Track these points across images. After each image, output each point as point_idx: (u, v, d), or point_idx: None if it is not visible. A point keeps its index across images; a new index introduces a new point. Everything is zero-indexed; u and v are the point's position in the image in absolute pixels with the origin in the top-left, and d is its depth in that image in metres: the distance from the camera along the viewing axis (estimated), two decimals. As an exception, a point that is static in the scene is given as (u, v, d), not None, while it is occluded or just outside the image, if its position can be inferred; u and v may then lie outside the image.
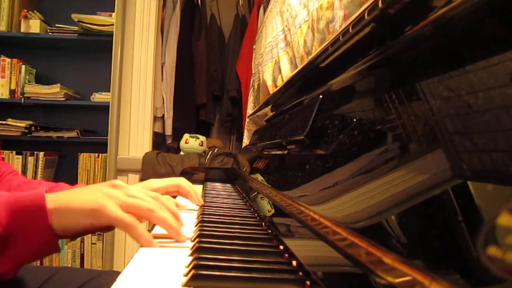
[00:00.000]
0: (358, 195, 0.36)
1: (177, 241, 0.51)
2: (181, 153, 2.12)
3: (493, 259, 0.18)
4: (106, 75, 2.07)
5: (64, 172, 2.39)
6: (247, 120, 1.87)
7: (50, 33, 2.23)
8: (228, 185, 1.23)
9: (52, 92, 2.21)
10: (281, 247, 0.47)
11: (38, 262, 2.15)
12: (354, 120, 0.46)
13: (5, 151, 2.22)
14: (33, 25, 2.22)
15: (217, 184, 1.24)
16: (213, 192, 0.98)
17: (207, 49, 2.43)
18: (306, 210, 0.44)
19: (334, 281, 0.34)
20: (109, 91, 2.04)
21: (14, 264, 0.45)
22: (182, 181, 0.71)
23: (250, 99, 1.95)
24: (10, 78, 2.23)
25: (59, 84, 2.22)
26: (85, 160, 2.29)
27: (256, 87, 1.78)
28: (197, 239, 0.47)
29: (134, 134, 2.07)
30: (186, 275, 0.37)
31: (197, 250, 0.44)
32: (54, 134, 2.24)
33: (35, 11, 2.26)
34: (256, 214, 0.68)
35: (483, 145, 0.23)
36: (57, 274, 0.71)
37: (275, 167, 0.80)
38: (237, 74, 2.35)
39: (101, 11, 2.27)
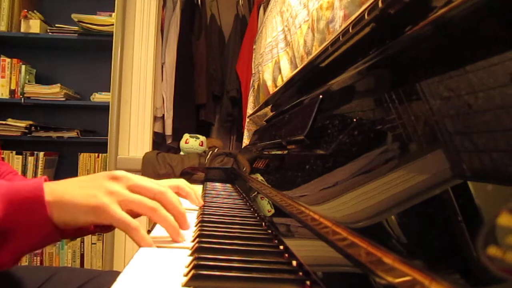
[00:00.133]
0: (358, 195, 0.36)
1: (176, 242, 0.51)
2: (181, 153, 2.12)
3: (493, 259, 0.18)
4: (106, 75, 2.07)
5: (64, 172, 2.40)
6: (247, 120, 1.87)
7: (50, 33, 2.23)
8: (228, 185, 1.23)
9: (52, 92, 2.21)
10: (281, 247, 0.47)
11: (38, 262, 2.15)
12: (354, 120, 0.46)
13: (5, 151, 2.22)
14: (33, 25, 2.22)
15: (217, 184, 1.24)
16: (213, 192, 0.98)
17: (207, 49, 2.43)
18: (306, 210, 0.44)
19: (334, 281, 0.34)
20: (109, 91, 2.04)
21: (12, 256, 0.44)
22: (181, 183, 0.71)
23: (250, 99, 1.95)
24: (10, 78, 2.24)
25: (59, 84, 2.22)
26: (85, 160, 2.29)
27: (256, 87, 1.78)
28: (197, 239, 0.47)
29: (134, 134, 2.07)
30: (186, 275, 0.37)
31: (197, 250, 0.44)
32: (54, 134, 2.24)
33: (35, 11, 2.26)
34: (256, 214, 0.68)
35: (483, 145, 0.23)
36: (57, 274, 0.71)
37: (275, 167, 0.80)
38: (237, 74, 2.35)
39: (101, 11, 2.27)
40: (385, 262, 0.25)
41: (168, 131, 2.29)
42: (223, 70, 2.50)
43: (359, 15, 0.45)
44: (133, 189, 0.50)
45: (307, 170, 0.56)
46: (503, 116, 0.22)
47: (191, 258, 0.41)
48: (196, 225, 0.59)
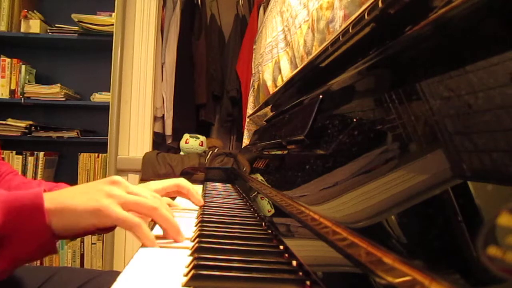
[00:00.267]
0: (358, 195, 0.36)
1: (176, 241, 0.51)
2: (181, 153, 2.12)
3: (493, 259, 0.18)
4: (106, 75, 2.07)
5: (64, 172, 2.40)
6: (247, 120, 1.87)
7: (50, 33, 2.23)
8: (228, 185, 1.23)
9: (52, 92, 2.21)
10: (281, 247, 0.47)
11: (38, 262, 2.15)
12: (354, 120, 0.46)
13: (5, 151, 2.22)
14: (33, 25, 2.22)
15: (217, 184, 1.24)
16: (213, 192, 0.98)
17: (207, 49, 2.43)
18: (306, 210, 0.44)
19: (334, 281, 0.34)
20: (109, 91, 2.04)
21: (9, 264, 0.44)
22: (181, 181, 0.71)
23: (250, 99, 1.95)
24: (10, 78, 2.24)
25: (59, 84, 2.22)
26: (85, 160, 2.29)
27: (256, 87, 1.78)
28: (197, 239, 0.47)
29: (134, 134, 2.07)
30: (186, 275, 0.37)
31: (197, 250, 0.44)
32: (54, 134, 2.24)
33: (35, 11, 2.26)
34: (256, 214, 0.68)
35: (483, 145, 0.23)
36: (57, 274, 0.71)
37: (275, 167, 0.80)
38: (237, 74, 2.35)
39: (101, 11, 2.27)
40: (385, 262, 0.25)
41: (168, 131, 2.29)
42: (223, 70, 2.50)
43: (359, 15, 0.45)
44: (131, 194, 0.51)
45: (307, 170, 0.56)
46: (503, 116, 0.22)
47: (191, 258, 0.41)
48: (196, 225, 0.59)
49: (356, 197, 0.36)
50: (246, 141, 1.89)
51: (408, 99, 0.35)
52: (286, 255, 0.44)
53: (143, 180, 1.92)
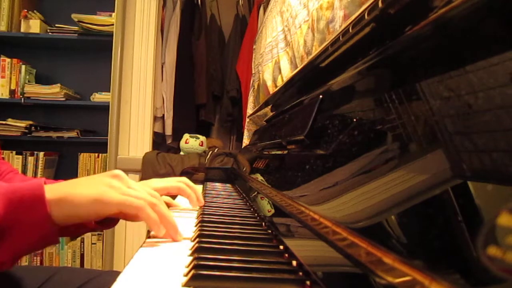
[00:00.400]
0: (358, 195, 0.36)
1: (174, 240, 0.51)
2: (181, 153, 2.12)
3: (493, 259, 0.18)
4: (106, 75, 2.07)
5: (64, 172, 2.40)
6: (247, 120, 1.87)
7: (50, 33, 2.23)
8: (228, 185, 1.23)
9: (52, 92, 2.21)
10: (281, 247, 0.47)
11: (38, 262, 2.15)
12: (354, 120, 0.46)
13: (5, 151, 2.22)
14: (33, 25, 2.22)
15: (217, 184, 1.24)
16: (213, 192, 0.98)
17: (207, 49, 2.43)
18: (306, 210, 0.44)
19: (334, 281, 0.34)
20: (109, 91, 2.04)
21: (11, 255, 0.44)
22: (182, 185, 0.70)
23: (250, 99, 1.95)
24: (10, 78, 2.24)
25: (59, 84, 2.22)
26: (85, 160, 2.29)
27: (256, 87, 1.78)
28: (197, 239, 0.47)
29: (134, 134, 2.07)
30: (186, 275, 0.37)
31: (197, 250, 0.44)
32: (54, 134, 2.24)
33: (35, 11, 2.26)
34: (256, 214, 0.68)
35: (483, 145, 0.23)
36: (57, 274, 0.71)
37: (275, 167, 0.80)
38: (237, 74, 2.35)
39: (101, 11, 2.27)
40: (385, 262, 0.25)
41: (168, 131, 2.29)
42: (223, 70, 2.50)
43: (359, 15, 0.45)
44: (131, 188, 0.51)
45: (307, 170, 0.56)
46: (503, 116, 0.22)
47: (191, 258, 0.41)
48: (196, 225, 0.59)
49: (356, 197, 0.36)
50: (246, 141, 1.89)
51: (408, 99, 0.35)
52: (286, 255, 0.44)
53: (143, 180, 1.92)
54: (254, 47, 2.04)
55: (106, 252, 2.02)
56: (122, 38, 2.03)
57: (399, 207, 0.30)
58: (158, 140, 2.32)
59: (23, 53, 2.34)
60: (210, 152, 1.95)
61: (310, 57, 0.69)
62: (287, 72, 1.21)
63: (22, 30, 2.21)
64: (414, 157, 0.31)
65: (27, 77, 2.27)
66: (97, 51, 2.34)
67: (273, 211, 0.62)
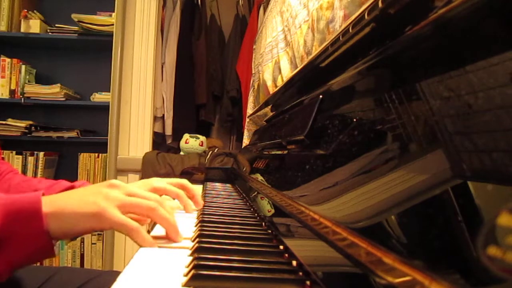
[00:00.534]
0: (358, 195, 0.36)
1: (174, 241, 0.51)
2: (181, 153, 2.12)
3: (493, 259, 0.18)
4: (106, 75, 2.07)
5: (64, 172, 2.40)
6: (247, 120, 1.87)
7: (50, 33, 2.23)
8: (228, 185, 1.23)
9: (52, 92, 2.21)
10: (281, 247, 0.47)
11: (38, 262, 2.15)
12: (354, 120, 0.46)
13: (5, 151, 2.22)
14: (33, 25, 2.22)
15: (217, 184, 1.24)
16: (213, 192, 0.98)
17: (207, 49, 2.43)
18: (306, 210, 0.44)
19: (334, 281, 0.34)
20: (109, 91, 2.04)
21: (7, 267, 0.44)
22: (181, 192, 0.69)
23: (250, 99, 1.95)
24: (10, 78, 2.24)
25: (59, 84, 2.22)
26: (85, 160, 2.29)
27: (256, 87, 1.78)
28: (197, 239, 0.47)
29: (134, 134, 2.07)
30: (186, 275, 0.37)
31: (197, 250, 0.44)
32: (54, 134, 2.24)
33: (35, 11, 2.26)
34: (256, 214, 0.68)
35: (483, 145, 0.23)
36: (57, 274, 0.71)
37: (275, 167, 0.80)
38: (237, 74, 2.35)
39: (101, 11, 2.27)
40: (385, 262, 0.25)
41: (168, 131, 2.29)
42: (223, 70, 2.50)
43: (359, 15, 0.45)
44: (130, 196, 0.51)
45: (307, 170, 0.56)
46: (503, 116, 0.22)
47: (191, 258, 0.41)
48: (196, 225, 0.59)
49: (356, 197, 0.36)
50: (246, 141, 1.89)
51: (408, 99, 0.35)
52: (286, 255, 0.44)
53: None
54: (254, 47, 2.04)
55: (106, 252, 2.02)
56: (122, 38, 2.03)
57: (399, 207, 0.30)
58: (158, 140, 2.32)
59: (23, 53, 2.34)
60: (210, 152, 1.95)
61: (310, 57, 0.69)
62: (287, 72, 1.21)
63: (22, 30, 2.21)
64: (414, 157, 0.31)
65: (27, 77, 2.27)
66: (97, 51, 2.34)
67: (273, 211, 0.62)
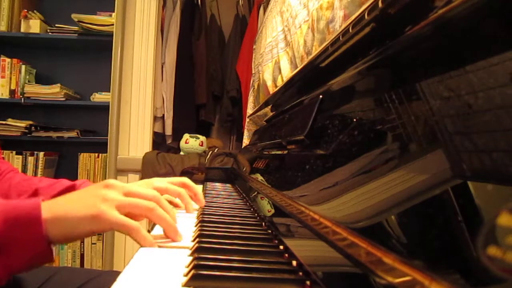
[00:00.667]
0: (358, 195, 0.36)
1: (173, 241, 0.51)
2: (181, 153, 2.12)
3: (493, 259, 0.18)
4: (106, 75, 2.07)
5: (64, 172, 2.39)
6: (247, 120, 1.87)
7: (50, 33, 2.23)
8: (228, 185, 1.23)
9: (52, 92, 2.21)
10: (281, 247, 0.47)
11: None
12: (354, 120, 0.46)
13: (5, 151, 2.22)
14: (33, 25, 2.22)
15: (217, 184, 1.24)
16: (213, 192, 0.98)
17: (207, 49, 2.43)
18: (306, 210, 0.44)
19: (334, 281, 0.34)
20: (109, 91, 2.04)
21: (5, 272, 0.44)
22: (183, 191, 0.69)
23: (250, 99, 1.95)
24: (10, 78, 2.24)
25: (59, 84, 2.22)
26: (85, 160, 2.29)
27: (256, 87, 1.78)
28: (197, 239, 0.47)
29: (134, 134, 2.07)
30: (186, 275, 0.37)
31: (197, 250, 0.44)
32: (54, 134, 2.24)
33: (35, 11, 2.26)
34: (256, 214, 0.68)
35: (483, 145, 0.23)
36: (57, 274, 0.71)
37: (275, 167, 0.80)
38: (237, 74, 2.35)
39: (101, 11, 2.27)
40: (385, 262, 0.25)
41: (168, 131, 2.29)
42: (223, 70, 2.50)
43: (359, 15, 0.45)
44: (128, 195, 0.51)
45: (307, 170, 0.56)
46: (503, 116, 0.22)
47: (191, 258, 0.41)
48: (196, 225, 0.59)
49: (356, 197, 0.36)
50: (246, 141, 1.89)
51: (408, 99, 0.35)
52: (286, 255, 0.44)
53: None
54: (254, 47, 2.04)
55: (106, 252, 2.02)
56: (122, 38, 2.02)
57: (399, 207, 0.30)
58: (158, 140, 2.32)
59: (23, 53, 2.34)
60: (210, 152, 1.95)
61: (310, 57, 0.69)
62: (287, 72, 1.21)
63: (22, 30, 2.21)
64: (414, 157, 0.31)
65: (27, 77, 2.27)
66: (97, 51, 2.34)
67: (273, 211, 0.62)
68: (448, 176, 0.26)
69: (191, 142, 2.10)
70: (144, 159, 1.96)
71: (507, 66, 0.23)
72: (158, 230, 0.54)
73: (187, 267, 0.39)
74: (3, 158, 0.88)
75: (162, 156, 1.96)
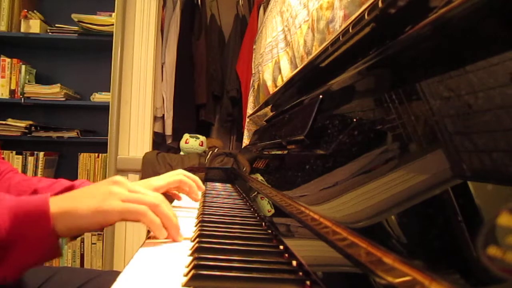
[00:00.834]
0: (358, 195, 0.36)
1: (174, 241, 0.51)
2: (181, 153, 2.12)
3: (493, 259, 0.18)
4: (106, 75, 2.07)
5: (64, 172, 2.39)
6: (247, 120, 1.87)
7: (50, 33, 2.23)
8: (228, 185, 1.23)
9: (52, 92, 2.21)
10: (281, 247, 0.47)
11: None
12: (354, 120, 0.46)
13: (5, 151, 2.22)
14: (33, 25, 2.22)
15: (217, 184, 1.24)
16: (213, 192, 0.98)
17: (207, 49, 2.43)
18: (306, 210, 0.44)
19: (334, 281, 0.34)
20: (109, 91, 2.04)
21: (16, 269, 0.45)
22: (182, 177, 0.71)
23: (250, 99, 1.95)
24: (10, 78, 2.24)
25: (59, 84, 2.22)
26: (85, 160, 2.29)
27: (256, 87, 1.78)
28: (197, 239, 0.47)
29: (134, 134, 2.07)
30: (186, 275, 0.37)
31: (197, 250, 0.44)
32: (54, 134, 2.24)
33: (35, 11, 2.26)
34: (256, 214, 0.68)
35: (483, 145, 0.23)
36: (57, 274, 0.71)
37: (275, 167, 0.80)
38: (237, 74, 2.35)
39: (101, 11, 2.27)
40: (385, 262, 0.25)
41: (168, 131, 2.29)
42: (223, 70, 2.50)
43: (359, 15, 0.45)
44: (132, 192, 0.52)
45: (307, 170, 0.56)
46: (503, 116, 0.22)
47: (191, 258, 0.41)
48: (196, 225, 0.59)
49: (356, 197, 0.36)
50: (246, 141, 1.89)
51: (408, 99, 0.35)
52: (286, 255, 0.44)
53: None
54: (254, 47, 2.04)
55: (106, 252, 2.02)
56: (122, 38, 2.02)
57: (399, 207, 0.30)
58: (158, 140, 2.32)
59: (23, 53, 2.34)
60: (210, 152, 1.95)
61: (310, 57, 0.69)
62: (287, 72, 1.21)
63: (22, 30, 2.21)
64: (414, 157, 0.31)
65: (27, 77, 2.27)
66: (97, 51, 2.34)
67: (273, 211, 0.62)
68: (448, 176, 0.26)
69: (191, 142, 2.10)
70: (144, 159, 1.96)
71: (507, 66, 0.23)
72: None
73: (187, 267, 0.39)
74: (3, 158, 0.88)
75: (162, 156, 1.96)
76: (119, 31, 2.01)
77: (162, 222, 0.51)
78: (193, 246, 0.45)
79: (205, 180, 1.32)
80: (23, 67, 2.24)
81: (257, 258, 0.41)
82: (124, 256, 2.02)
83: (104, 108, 2.10)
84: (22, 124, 2.22)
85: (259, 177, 0.87)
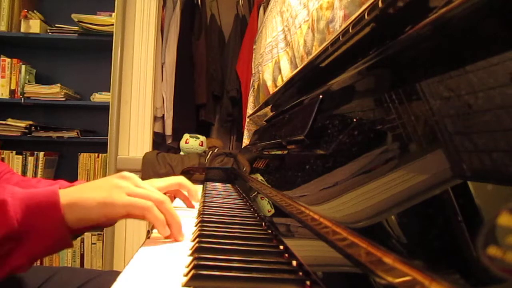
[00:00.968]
0: (358, 195, 0.36)
1: (175, 240, 0.51)
2: (181, 153, 2.12)
3: (493, 259, 0.18)
4: (106, 75, 2.07)
5: (64, 172, 2.40)
6: (247, 120, 1.87)
7: (50, 33, 2.23)
8: (228, 185, 1.23)
9: (52, 92, 2.21)
10: (281, 247, 0.47)
11: (38, 262, 2.15)
12: (354, 120, 0.46)
13: (5, 151, 2.22)
14: (33, 25, 2.22)
15: (217, 184, 1.24)
16: (213, 192, 0.98)
17: (207, 49, 2.43)
18: (306, 210, 0.44)
19: (334, 281, 0.34)
20: (109, 91, 2.04)
21: (27, 259, 0.46)
22: (182, 180, 0.72)
23: (250, 99, 1.95)
24: (10, 78, 2.24)
25: (59, 84, 2.22)
26: (85, 160, 2.29)
27: (256, 87, 1.78)
28: (197, 239, 0.47)
29: (134, 134, 2.07)
30: (186, 275, 0.37)
31: (197, 250, 0.44)
32: (54, 134, 2.24)
33: (35, 11, 2.26)
34: (256, 214, 0.68)
35: (483, 145, 0.23)
36: (57, 274, 0.71)
37: (275, 167, 0.80)
38: (237, 74, 2.35)
39: (101, 11, 2.27)
40: (385, 262, 0.25)
41: (168, 131, 2.29)
42: (223, 70, 2.50)
43: (359, 15, 0.45)
44: (139, 187, 0.53)
45: (307, 170, 0.56)
46: (503, 116, 0.22)
47: (191, 258, 0.41)
48: (196, 225, 0.59)
49: (356, 197, 0.36)
50: (246, 141, 1.89)
51: (408, 99, 0.35)
52: (286, 255, 0.44)
53: (143, 180, 1.92)
54: (254, 47, 2.04)
55: (106, 252, 2.02)
56: (122, 38, 2.02)
57: (399, 207, 0.30)
58: (158, 140, 2.32)
59: (23, 53, 2.34)
60: (210, 152, 1.95)
61: (310, 57, 0.69)
62: (287, 72, 1.21)
63: (22, 30, 2.21)
64: (414, 157, 0.31)
65: (27, 77, 2.27)
66: (97, 51, 2.34)
67: (273, 211, 0.62)
68: (448, 176, 0.26)
69: (191, 142, 2.10)
70: (144, 159, 1.96)
71: (507, 66, 0.23)
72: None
73: (187, 267, 0.39)
74: (3, 159, 0.88)
75: (162, 156, 1.96)
76: (119, 31, 2.02)
77: (166, 219, 0.51)
78: (193, 246, 0.45)
79: (205, 180, 1.32)
80: (23, 67, 2.24)
81: (257, 258, 0.41)
82: (124, 256, 2.02)
83: (104, 108, 2.10)
84: (22, 124, 2.22)
85: (259, 177, 0.87)
